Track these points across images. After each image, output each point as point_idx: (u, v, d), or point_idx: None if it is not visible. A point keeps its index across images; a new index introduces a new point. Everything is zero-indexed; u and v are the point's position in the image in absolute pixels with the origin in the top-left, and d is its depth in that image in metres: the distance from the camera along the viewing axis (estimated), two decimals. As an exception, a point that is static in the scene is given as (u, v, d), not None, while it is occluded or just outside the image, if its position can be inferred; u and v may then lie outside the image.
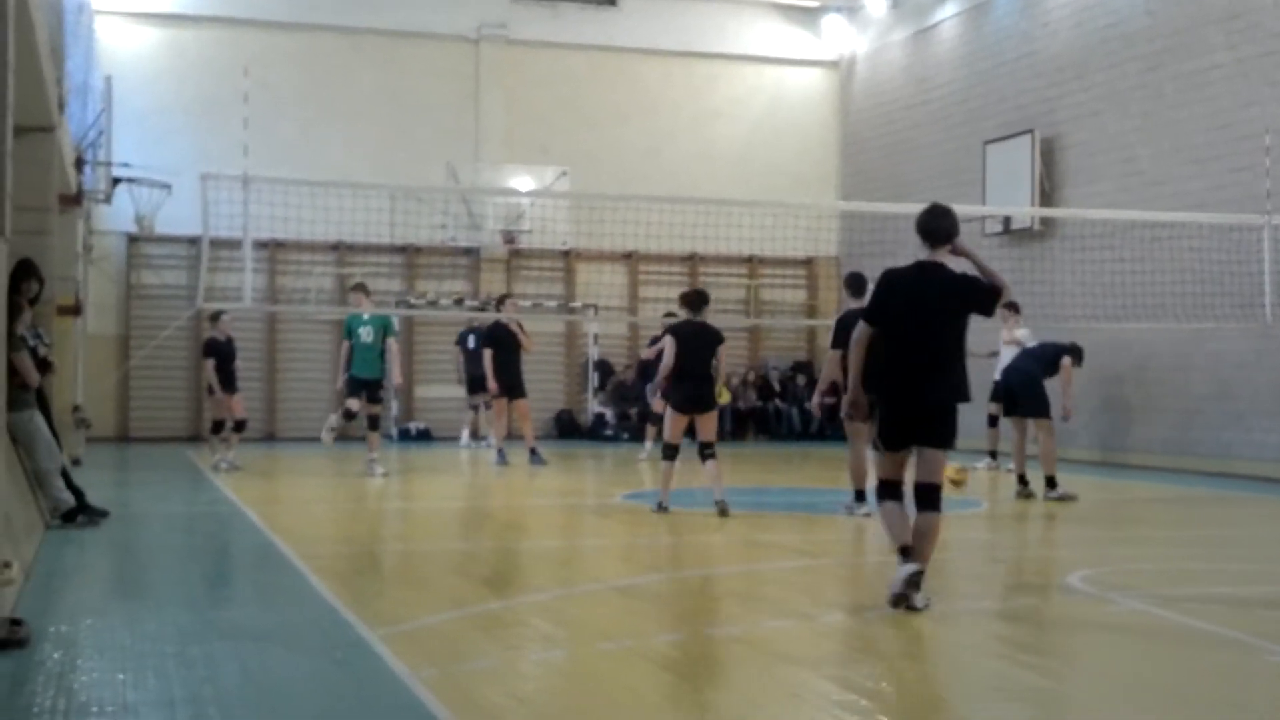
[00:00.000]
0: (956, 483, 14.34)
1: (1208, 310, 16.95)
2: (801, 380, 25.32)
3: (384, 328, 16.10)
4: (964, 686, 6.26)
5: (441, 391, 23.43)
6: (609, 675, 6.18)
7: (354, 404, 16.17)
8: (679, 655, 6.65)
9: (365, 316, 16.12)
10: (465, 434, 21.42)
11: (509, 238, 23.85)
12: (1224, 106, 17.78)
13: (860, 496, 12.15)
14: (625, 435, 23.47)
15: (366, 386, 16.05)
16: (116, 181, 19.17)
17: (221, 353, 16.71)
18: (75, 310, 17.05)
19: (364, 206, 17.62)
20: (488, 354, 18.06)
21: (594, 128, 24.97)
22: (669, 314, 13.38)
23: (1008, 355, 15.73)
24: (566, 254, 24.60)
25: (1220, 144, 17.79)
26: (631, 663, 6.43)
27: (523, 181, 23.23)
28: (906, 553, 7.47)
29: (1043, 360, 14.26)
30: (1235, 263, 16.63)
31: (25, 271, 10.79)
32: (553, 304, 24.57)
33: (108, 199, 19.19)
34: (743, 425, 24.84)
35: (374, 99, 24.00)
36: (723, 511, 11.99)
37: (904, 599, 7.34)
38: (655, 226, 17.83)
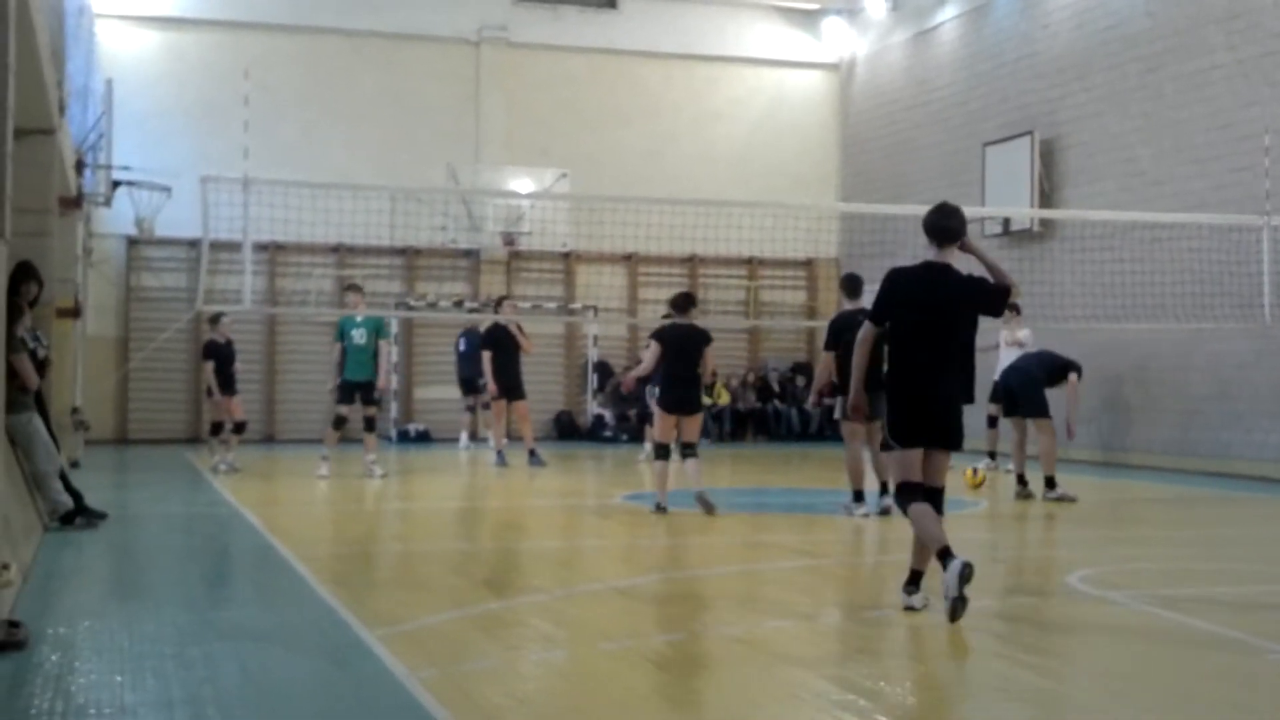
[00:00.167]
0: (976, 484, 14.42)
1: (1207, 311, 16.95)
2: (801, 381, 25.31)
3: (376, 330, 16.04)
4: (963, 686, 6.26)
5: (441, 393, 23.42)
6: (609, 675, 6.17)
7: (345, 410, 16.15)
8: (679, 655, 6.64)
9: (358, 319, 16.01)
10: (464, 436, 21.43)
11: (509, 239, 23.85)
12: (1224, 107, 17.78)
13: (859, 497, 12.17)
14: (624, 436, 23.47)
15: (360, 389, 15.97)
16: (116, 184, 19.15)
17: (221, 355, 16.72)
18: (75, 313, 17.05)
19: (364, 208, 17.64)
20: (486, 356, 18.07)
21: (594, 130, 24.97)
22: (667, 315, 13.41)
23: (1009, 356, 15.73)
24: (566, 256, 24.60)
25: (1221, 144, 17.79)
26: (631, 663, 6.43)
27: (523, 183, 23.22)
28: (947, 554, 7.18)
29: (1045, 367, 14.24)
30: (1235, 263, 16.64)
31: (25, 274, 10.79)
32: (552, 306, 24.57)
33: (108, 202, 19.17)
34: (742, 426, 24.84)
35: (375, 101, 24.01)
36: (706, 506, 12.06)
37: (963, 603, 7.00)
38: (655, 228, 17.83)
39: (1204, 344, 17.78)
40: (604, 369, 24.80)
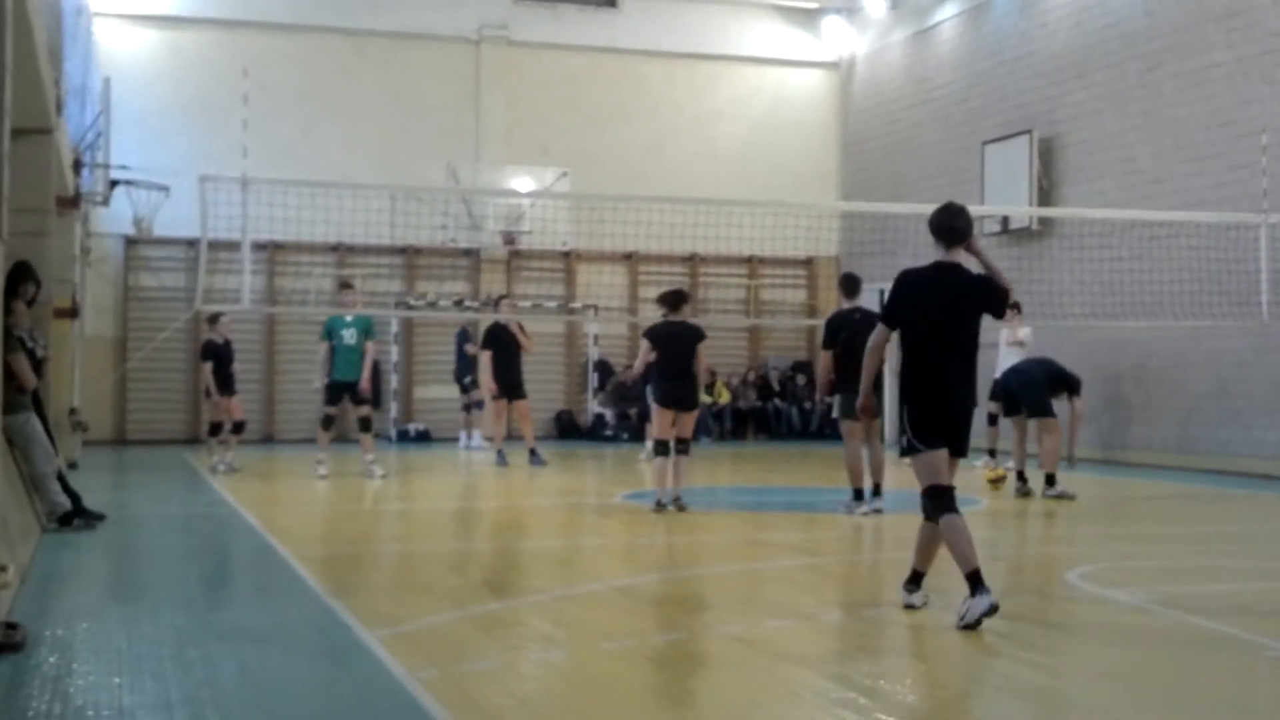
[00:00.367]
0: (995, 482, 14.44)
1: (1206, 309, 16.96)
2: (801, 380, 25.32)
3: (366, 330, 15.96)
4: (963, 684, 6.25)
5: (440, 392, 23.40)
6: (609, 675, 6.16)
7: (332, 410, 16.12)
8: (679, 655, 6.63)
9: (348, 318, 15.93)
10: (464, 435, 21.41)
11: (509, 238, 23.83)
12: (1223, 105, 17.77)
13: (859, 495, 12.19)
14: (625, 435, 23.46)
15: (349, 390, 15.89)
16: (114, 183, 19.14)
17: (219, 355, 16.70)
18: (73, 313, 17.03)
19: (364, 207, 17.61)
20: (486, 355, 18.05)
21: (594, 128, 24.96)
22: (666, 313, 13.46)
23: (1009, 355, 15.72)
24: (567, 255, 24.59)
25: (1220, 142, 17.79)
26: (631, 663, 6.42)
27: (523, 182, 23.20)
28: (977, 579, 6.99)
29: (1048, 375, 14.23)
30: (1233, 261, 16.64)
31: (22, 274, 10.78)
32: (553, 305, 24.56)
33: (106, 201, 19.16)
34: (743, 424, 24.84)
35: (374, 100, 23.99)
36: (680, 508, 12.20)
37: (974, 627, 6.93)
38: (655, 227, 17.82)
39: (1203, 342, 17.79)
40: (604, 368, 24.79)
